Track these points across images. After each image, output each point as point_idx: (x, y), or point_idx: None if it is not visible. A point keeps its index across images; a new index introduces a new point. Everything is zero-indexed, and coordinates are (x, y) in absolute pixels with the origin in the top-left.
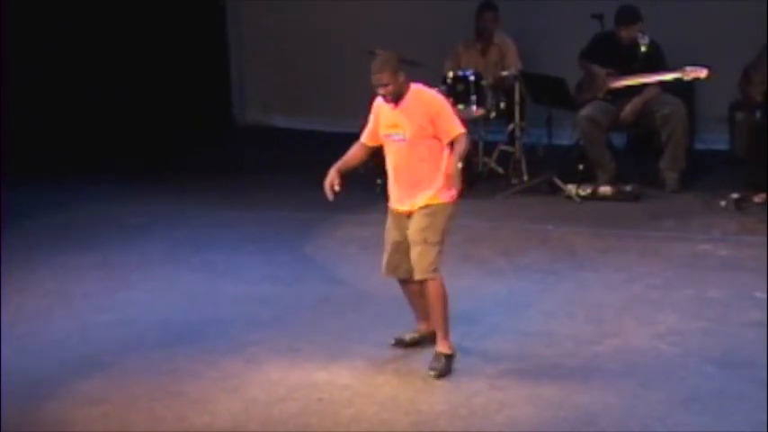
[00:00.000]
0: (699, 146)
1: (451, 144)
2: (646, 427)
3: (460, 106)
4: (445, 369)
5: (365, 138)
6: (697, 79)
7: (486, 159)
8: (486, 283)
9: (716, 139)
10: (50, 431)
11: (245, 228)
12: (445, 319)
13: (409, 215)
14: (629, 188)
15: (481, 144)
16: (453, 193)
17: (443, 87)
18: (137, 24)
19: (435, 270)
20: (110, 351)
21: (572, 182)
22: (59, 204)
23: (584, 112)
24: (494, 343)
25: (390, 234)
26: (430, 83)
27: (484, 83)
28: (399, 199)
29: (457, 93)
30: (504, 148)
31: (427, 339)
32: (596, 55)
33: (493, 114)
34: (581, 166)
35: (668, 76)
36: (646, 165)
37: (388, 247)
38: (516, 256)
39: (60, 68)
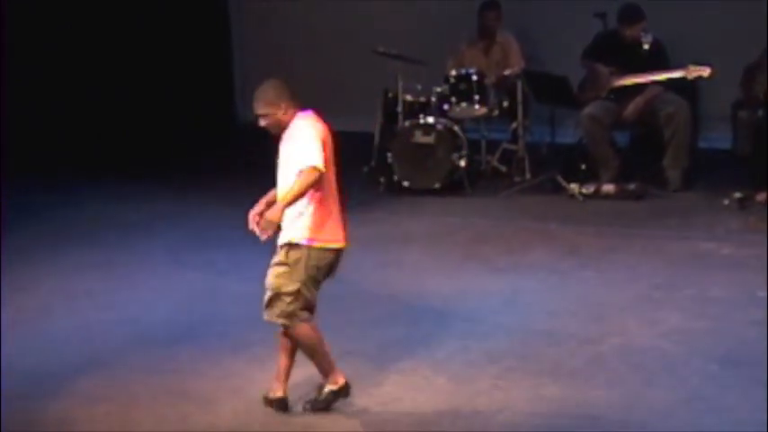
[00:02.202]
0: (702, 144)
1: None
2: (648, 425)
3: (463, 104)
4: (324, 403)
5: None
6: (700, 78)
7: (489, 158)
8: (489, 282)
9: (719, 138)
10: (53, 430)
11: (247, 227)
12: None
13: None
14: (632, 187)
15: (484, 143)
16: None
17: (446, 86)
18: (140, 24)
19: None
20: (112, 350)
21: (575, 180)
22: (61, 204)
23: (587, 110)
24: (496, 342)
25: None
26: (433, 81)
27: (487, 81)
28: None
29: (459, 91)
30: (506, 146)
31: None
32: (599, 53)
33: (496, 113)
34: (584, 165)
35: (671, 75)
36: (649, 163)
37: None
38: (519, 255)
39: (61, 68)
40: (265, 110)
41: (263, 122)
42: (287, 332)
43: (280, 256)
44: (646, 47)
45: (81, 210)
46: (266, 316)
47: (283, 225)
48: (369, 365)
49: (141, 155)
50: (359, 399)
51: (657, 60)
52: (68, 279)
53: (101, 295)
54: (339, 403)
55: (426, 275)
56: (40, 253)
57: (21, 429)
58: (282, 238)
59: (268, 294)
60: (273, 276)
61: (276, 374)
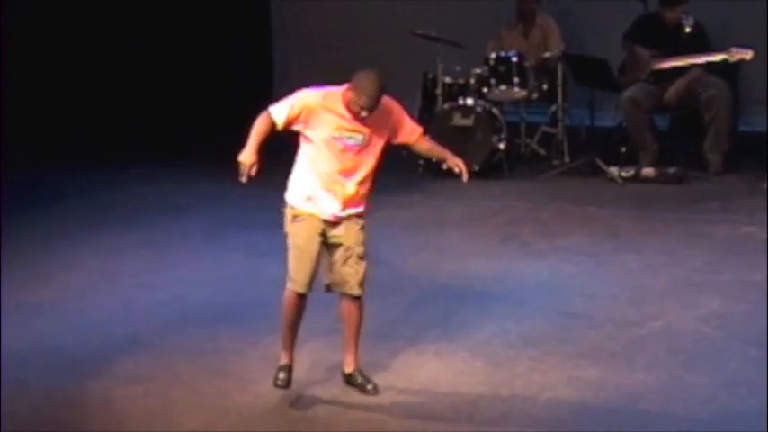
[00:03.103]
0: (743, 128)
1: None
2: (688, 410)
3: (503, 87)
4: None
5: (280, 121)
6: (742, 61)
7: (528, 141)
8: (528, 265)
9: (760, 122)
10: (93, 409)
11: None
12: None
13: (336, 223)
14: (672, 170)
15: (523, 125)
16: None
17: (486, 68)
18: (186, 7)
19: None
20: (153, 330)
21: (614, 164)
22: (104, 184)
23: (628, 93)
24: (535, 325)
25: (313, 240)
26: (472, 64)
27: (526, 64)
28: (328, 205)
29: (499, 74)
30: (546, 129)
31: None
32: (640, 36)
33: (535, 96)
34: (624, 148)
35: (713, 58)
36: (689, 147)
37: (312, 255)
38: (558, 238)
39: (106, 48)
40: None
41: (365, 113)
42: (359, 302)
43: (359, 224)
44: (687, 29)
45: (123, 190)
46: (358, 290)
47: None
48: (407, 348)
49: (183, 136)
50: (398, 381)
51: (699, 43)
52: (110, 259)
53: (142, 275)
54: (381, 385)
55: (465, 258)
56: (82, 232)
57: (62, 408)
58: (354, 209)
59: (363, 263)
60: (362, 244)
61: (291, 344)
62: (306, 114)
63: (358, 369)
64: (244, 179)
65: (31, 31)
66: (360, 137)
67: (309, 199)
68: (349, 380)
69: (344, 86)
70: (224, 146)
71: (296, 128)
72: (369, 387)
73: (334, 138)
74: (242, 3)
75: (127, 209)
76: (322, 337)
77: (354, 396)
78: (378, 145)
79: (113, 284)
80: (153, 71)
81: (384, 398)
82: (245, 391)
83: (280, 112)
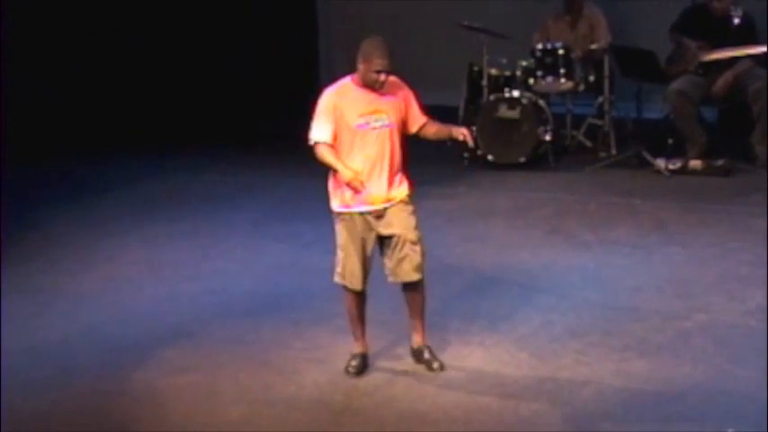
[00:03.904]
0: None
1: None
2: (735, 404)
3: (549, 78)
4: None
5: (330, 137)
6: None
7: (575, 133)
8: (574, 257)
9: None
10: (138, 399)
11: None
12: None
13: (380, 214)
14: (719, 163)
15: (569, 117)
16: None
17: (532, 60)
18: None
19: None
20: (197, 320)
21: (661, 156)
22: (149, 175)
23: (675, 85)
24: (580, 317)
25: (358, 238)
26: (518, 55)
27: (573, 55)
28: (374, 195)
29: (546, 65)
30: (592, 121)
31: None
32: (688, 27)
33: (582, 87)
34: (671, 140)
35: (762, 50)
36: (737, 139)
37: (357, 254)
38: (604, 230)
39: (151, 40)
40: (391, 65)
41: (383, 77)
42: (418, 286)
43: (407, 210)
44: (735, 21)
45: (167, 180)
46: (417, 275)
47: (396, 175)
48: (452, 339)
49: (227, 126)
50: (443, 372)
51: (747, 35)
52: (154, 249)
53: (186, 266)
54: (423, 376)
55: (510, 250)
56: (128, 223)
57: (106, 398)
58: (402, 190)
59: (417, 248)
60: (413, 229)
61: (362, 331)
62: (335, 113)
63: (426, 345)
64: (363, 188)
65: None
66: (384, 116)
67: (353, 198)
68: (416, 355)
69: (350, 75)
70: (268, 137)
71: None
72: (435, 365)
73: (359, 126)
74: None
75: (171, 200)
76: (369, 328)
77: (398, 387)
78: (399, 122)
79: (158, 275)
80: (200, 63)
81: (428, 389)
82: (288, 382)
83: (321, 131)
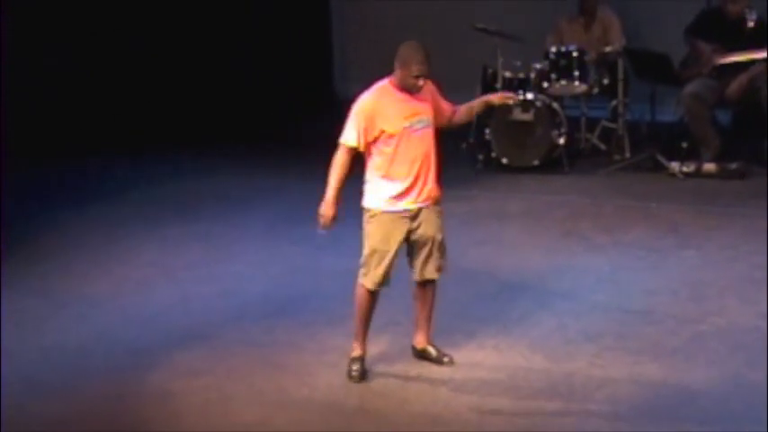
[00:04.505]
0: None
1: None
2: (749, 407)
3: (563, 81)
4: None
5: (358, 142)
6: None
7: (589, 135)
8: (588, 260)
9: None
10: (152, 401)
11: (345, 202)
12: None
13: (415, 214)
14: (733, 166)
15: (583, 120)
16: None
17: (546, 63)
18: (248, 2)
19: None
20: (211, 323)
21: (675, 159)
22: (162, 177)
23: (689, 88)
24: (594, 320)
25: (393, 239)
26: (532, 58)
27: (587, 58)
28: (414, 196)
29: (560, 68)
30: (606, 124)
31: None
32: (702, 30)
33: (596, 90)
34: (685, 144)
35: None
36: (751, 142)
37: (390, 255)
38: (618, 233)
39: (165, 43)
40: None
41: (422, 81)
42: (433, 285)
43: (436, 211)
44: (750, 24)
45: (181, 183)
46: (436, 273)
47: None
48: (466, 342)
49: (241, 129)
50: (456, 375)
51: (761, 38)
52: (168, 252)
53: (200, 268)
54: (437, 380)
55: (524, 253)
56: (140, 225)
57: (121, 401)
58: (434, 191)
59: (441, 249)
60: (440, 229)
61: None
62: (370, 121)
63: (431, 344)
64: (323, 232)
65: (94, 21)
66: (426, 117)
67: (393, 199)
68: (422, 355)
69: (388, 78)
70: (281, 139)
71: (371, 137)
72: (445, 359)
73: (405, 128)
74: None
75: (185, 203)
76: (378, 331)
77: (411, 390)
78: (435, 120)
79: (172, 278)
80: (213, 65)
81: (442, 392)
82: (302, 385)
83: (351, 136)
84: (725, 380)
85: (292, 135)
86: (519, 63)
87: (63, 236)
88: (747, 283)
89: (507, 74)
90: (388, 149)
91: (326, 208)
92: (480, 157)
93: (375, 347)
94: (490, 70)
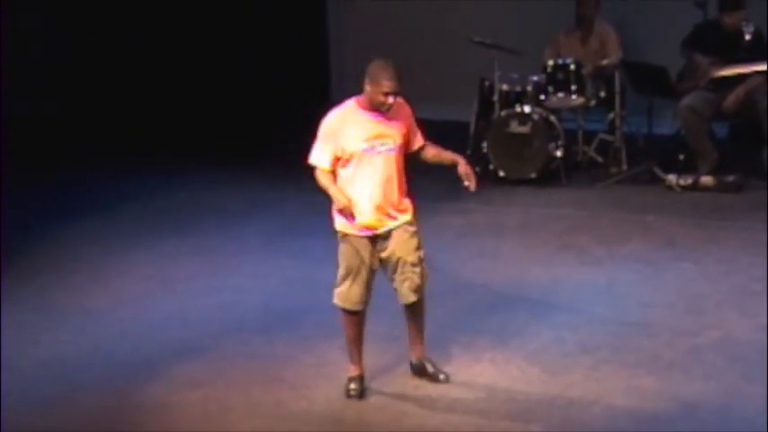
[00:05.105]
0: None
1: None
2: (747, 420)
3: (560, 94)
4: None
5: (331, 163)
6: None
7: (586, 148)
8: (585, 273)
9: None
10: (149, 414)
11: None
12: None
13: (384, 235)
14: (731, 178)
15: (580, 133)
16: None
17: (543, 75)
18: (238, 10)
19: None
20: (209, 335)
21: (672, 172)
22: (160, 190)
23: (686, 101)
24: (591, 333)
25: (365, 258)
26: (530, 70)
27: (584, 71)
28: (378, 217)
29: (557, 81)
30: (603, 137)
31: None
32: (699, 43)
33: (593, 103)
34: (682, 156)
35: None
36: (748, 155)
37: (363, 273)
38: (615, 246)
39: (159, 54)
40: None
41: (392, 100)
42: (416, 306)
43: (410, 232)
44: (747, 36)
45: (179, 196)
46: (415, 296)
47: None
48: (463, 355)
49: (238, 142)
50: (453, 388)
51: (759, 50)
52: (166, 265)
53: (198, 281)
54: (434, 392)
55: (521, 265)
56: (139, 239)
57: (118, 413)
58: (405, 214)
59: (417, 270)
60: (415, 250)
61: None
62: (334, 139)
63: (426, 358)
64: (352, 219)
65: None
66: (391, 141)
67: (363, 215)
68: (418, 369)
69: (355, 97)
70: (280, 152)
71: (335, 156)
72: (441, 377)
73: (364, 150)
74: (299, 10)
75: (183, 215)
76: (376, 345)
77: (409, 403)
78: (403, 144)
79: (169, 290)
80: (209, 77)
81: (439, 405)
82: (300, 398)
83: (324, 159)
84: (722, 393)
85: (289, 148)
86: (516, 76)
87: (62, 248)
88: (745, 295)
89: (504, 86)
90: (348, 171)
91: (339, 199)
92: (477, 169)
93: (373, 361)
94: (487, 83)
